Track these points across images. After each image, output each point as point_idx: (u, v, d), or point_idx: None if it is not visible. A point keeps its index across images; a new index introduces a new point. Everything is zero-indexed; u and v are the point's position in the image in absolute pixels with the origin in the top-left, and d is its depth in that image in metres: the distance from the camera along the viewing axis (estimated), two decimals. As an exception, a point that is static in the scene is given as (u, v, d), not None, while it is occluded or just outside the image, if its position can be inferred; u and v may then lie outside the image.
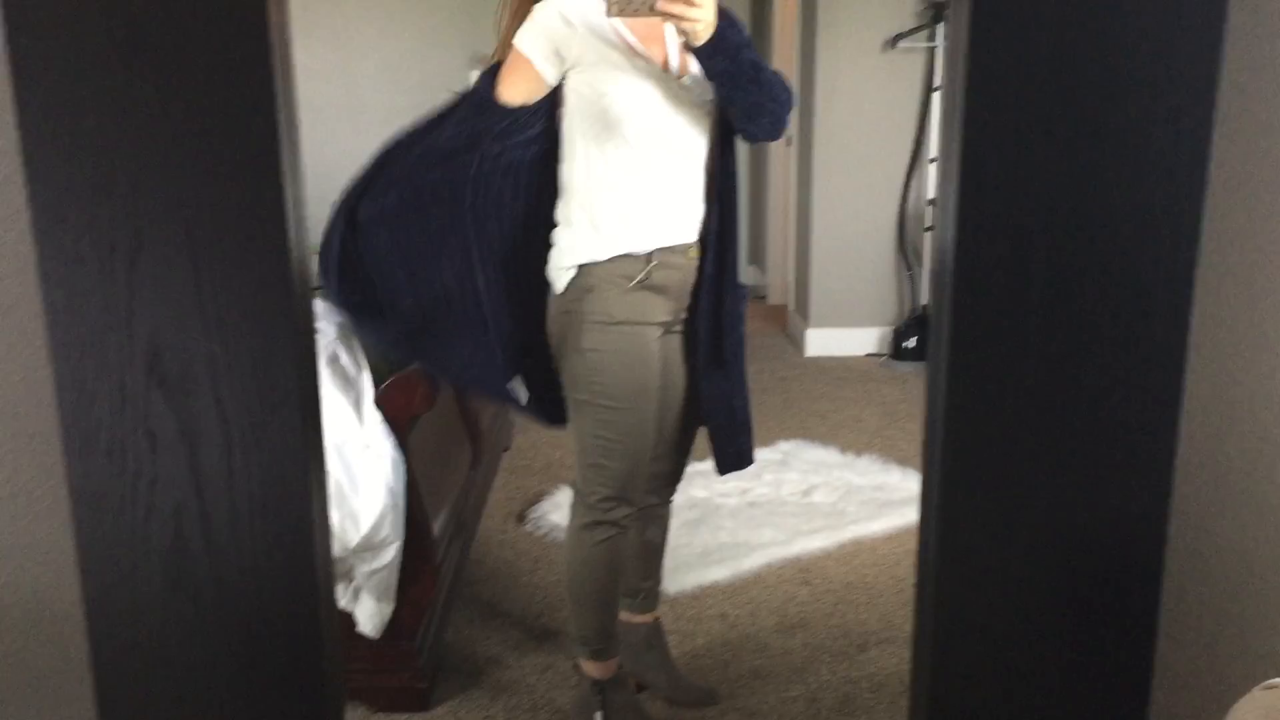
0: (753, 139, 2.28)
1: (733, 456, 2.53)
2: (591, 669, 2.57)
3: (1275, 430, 1.46)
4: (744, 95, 2.14)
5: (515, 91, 2.22)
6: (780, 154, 7.21)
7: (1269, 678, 1.14)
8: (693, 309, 2.37)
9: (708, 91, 2.22)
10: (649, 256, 2.25)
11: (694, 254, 2.31)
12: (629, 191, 2.23)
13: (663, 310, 2.32)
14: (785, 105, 2.23)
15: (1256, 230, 1.43)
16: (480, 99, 2.25)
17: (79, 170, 1.20)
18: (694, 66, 2.20)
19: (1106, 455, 1.37)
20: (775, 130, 2.26)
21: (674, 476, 2.62)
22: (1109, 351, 1.34)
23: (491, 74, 2.25)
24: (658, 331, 2.33)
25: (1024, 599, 1.42)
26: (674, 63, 2.20)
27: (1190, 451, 1.45)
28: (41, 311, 1.25)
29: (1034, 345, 1.34)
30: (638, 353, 2.29)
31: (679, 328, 2.39)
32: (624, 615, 2.71)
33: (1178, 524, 1.46)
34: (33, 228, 1.21)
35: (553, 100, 2.25)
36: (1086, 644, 1.43)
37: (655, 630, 2.77)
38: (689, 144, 2.25)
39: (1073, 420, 1.36)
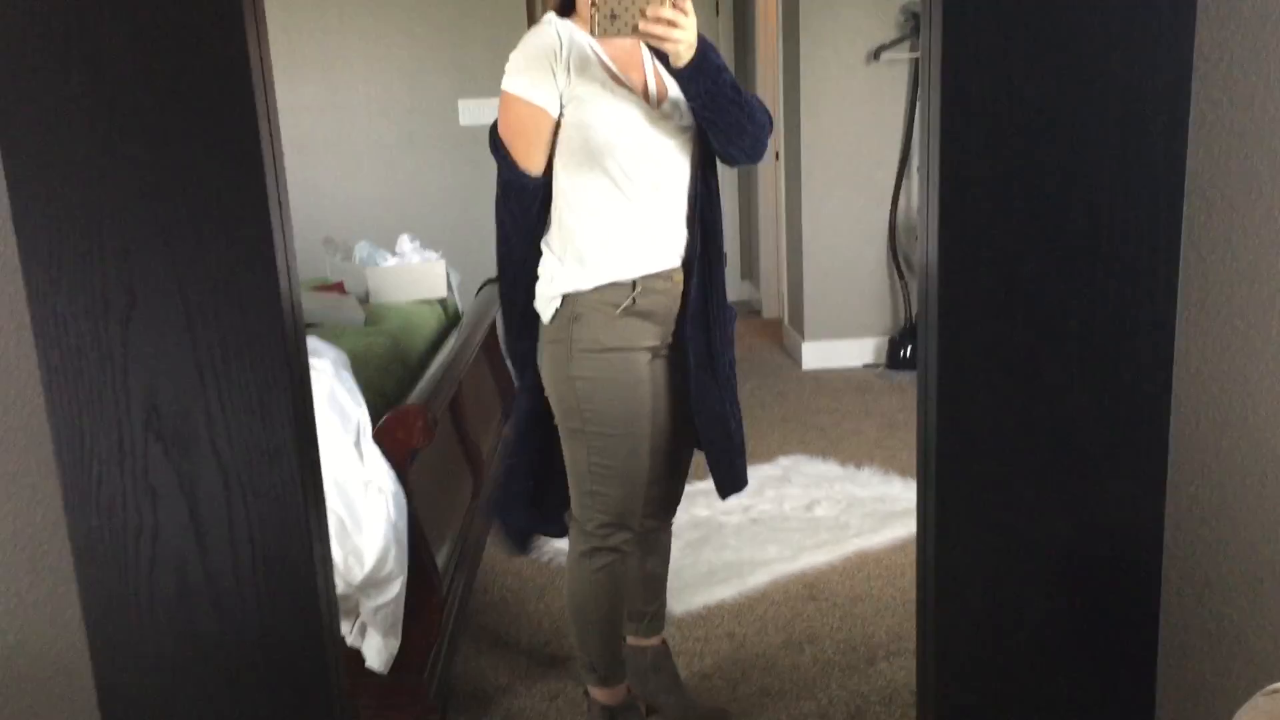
0: (733, 162, 2.29)
1: (730, 478, 2.53)
2: (600, 695, 2.57)
3: (1264, 435, 1.47)
4: (725, 117, 2.16)
5: (531, 148, 2.22)
6: (769, 169, 7.24)
7: (1271, 682, 1.15)
8: (680, 334, 2.38)
9: (686, 117, 2.23)
10: (634, 284, 2.26)
11: (679, 279, 2.33)
12: (611, 220, 2.24)
13: (651, 335, 2.34)
14: (764, 127, 2.25)
15: (1235, 237, 1.44)
16: (508, 183, 2.28)
17: (69, 231, 1.21)
18: (673, 91, 2.22)
19: (1099, 466, 1.38)
20: (756, 153, 2.28)
21: (672, 499, 2.62)
22: (1097, 361, 1.36)
23: (498, 145, 2.26)
24: (647, 356, 2.35)
25: (1023, 612, 1.42)
26: (653, 88, 2.22)
27: (1181, 459, 1.46)
28: (38, 370, 1.27)
29: (1022, 358, 1.35)
30: (628, 379, 2.30)
31: (666, 352, 2.40)
32: (630, 639, 2.72)
33: (1173, 532, 1.46)
34: (26, 289, 1.22)
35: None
36: (1089, 652, 1.44)
37: (662, 653, 2.77)
38: (670, 170, 2.26)
39: (1064, 432, 1.37)
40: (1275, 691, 1.12)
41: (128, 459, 1.26)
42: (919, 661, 1.58)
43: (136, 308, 1.23)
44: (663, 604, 2.78)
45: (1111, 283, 1.34)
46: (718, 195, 2.37)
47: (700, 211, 2.32)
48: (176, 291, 1.23)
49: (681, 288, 2.34)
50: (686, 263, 2.33)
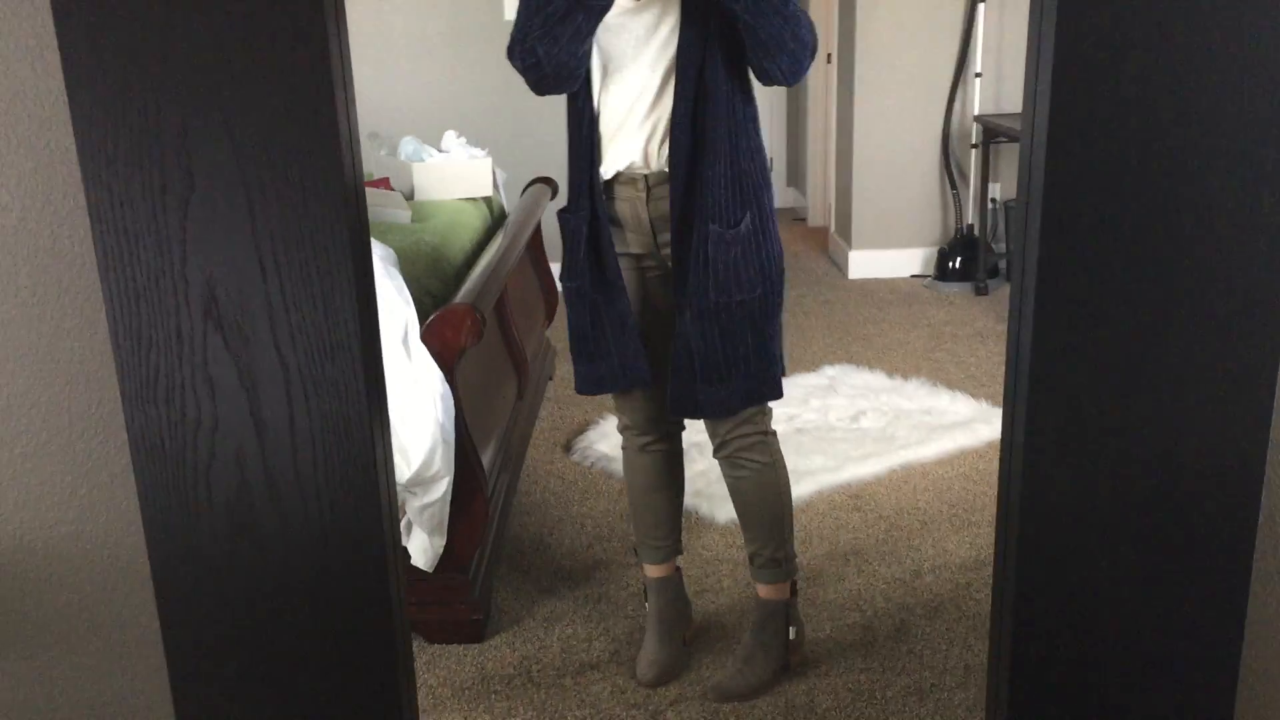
0: (767, 78, 2.13)
1: (677, 400, 2.36)
2: (644, 569, 2.68)
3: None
4: (766, 25, 2.02)
5: None
6: (819, 72, 7.06)
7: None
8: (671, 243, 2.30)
9: (661, 18, 2.13)
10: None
11: (641, 187, 2.27)
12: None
13: (620, 242, 2.34)
14: (807, 46, 2.09)
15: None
16: None
17: (126, 109, 1.15)
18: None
19: (1201, 391, 1.30)
20: (793, 72, 2.11)
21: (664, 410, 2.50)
22: (1207, 278, 1.28)
23: None
24: (627, 263, 2.35)
25: (1111, 537, 1.36)
26: None
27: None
28: (94, 256, 1.22)
29: (1128, 269, 1.27)
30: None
31: (653, 262, 2.37)
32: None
33: (1273, 464, 1.40)
34: (81, 170, 1.17)
35: None
36: (1177, 587, 1.38)
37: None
38: (629, 75, 2.19)
39: (1167, 350, 1.29)
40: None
41: (186, 349, 1.22)
42: (995, 584, 1.54)
43: (195, 191, 1.17)
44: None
45: (1231, 190, 1.25)
46: (720, 101, 2.15)
47: (689, 119, 2.16)
48: (237, 176, 1.17)
49: (644, 196, 2.29)
50: (674, 170, 2.20)
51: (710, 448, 2.51)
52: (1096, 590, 1.38)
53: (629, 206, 2.30)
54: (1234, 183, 1.25)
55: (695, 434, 2.75)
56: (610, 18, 2.11)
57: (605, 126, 2.25)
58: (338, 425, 1.24)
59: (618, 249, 2.33)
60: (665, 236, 2.30)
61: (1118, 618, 1.39)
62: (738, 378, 2.30)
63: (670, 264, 2.31)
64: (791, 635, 2.56)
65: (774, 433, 2.50)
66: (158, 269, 1.19)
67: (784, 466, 2.52)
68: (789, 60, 2.09)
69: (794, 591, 2.59)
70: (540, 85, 2.18)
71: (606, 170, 2.27)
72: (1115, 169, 1.25)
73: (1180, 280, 1.28)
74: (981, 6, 5.74)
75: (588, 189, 2.28)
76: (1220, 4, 1.21)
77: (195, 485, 1.26)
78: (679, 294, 2.28)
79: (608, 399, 2.69)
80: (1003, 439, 1.42)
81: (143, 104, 1.15)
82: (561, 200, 3.97)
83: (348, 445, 1.25)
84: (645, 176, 2.26)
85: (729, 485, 2.53)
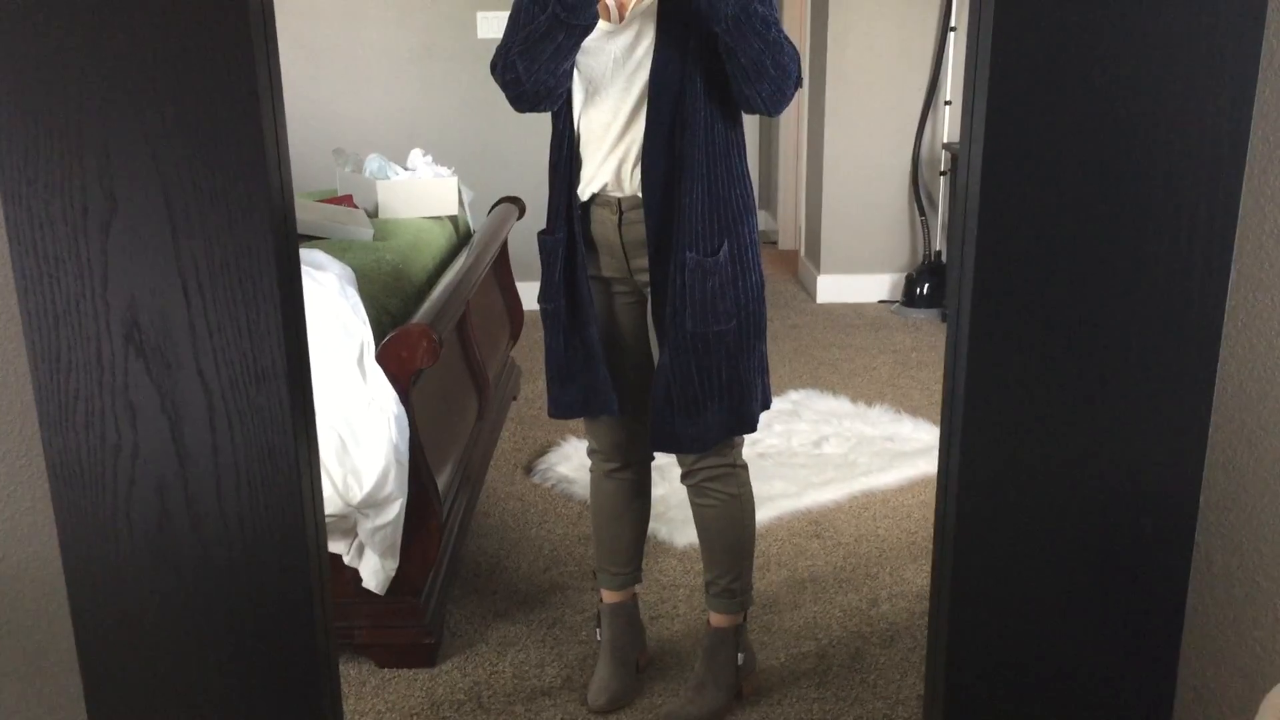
0: (749, 105, 2.11)
1: (658, 434, 2.32)
2: (601, 593, 2.64)
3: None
4: (748, 49, 2.01)
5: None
6: (792, 96, 7.08)
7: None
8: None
9: (637, 41, 2.12)
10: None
11: (614, 210, 2.24)
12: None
13: (593, 265, 2.31)
14: (790, 75, 2.08)
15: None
16: None
17: (47, 129, 1.13)
18: (638, 25, 2.09)
19: (1138, 419, 1.30)
20: (775, 100, 2.10)
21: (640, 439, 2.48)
22: (1143, 298, 1.27)
23: None
24: (599, 286, 2.33)
25: (1046, 565, 1.36)
26: (611, 3, 2.10)
27: (1223, 420, 1.38)
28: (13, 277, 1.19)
29: (1064, 286, 1.26)
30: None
31: (626, 287, 2.34)
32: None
33: (1208, 494, 1.39)
34: (0, 191, 1.14)
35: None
36: (1112, 613, 1.37)
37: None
38: (606, 98, 2.18)
39: (1104, 370, 1.29)
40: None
41: (107, 374, 1.19)
42: (931, 613, 1.53)
43: (117, 214, 1.15)
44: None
45: (1166, 213, 1.25)
46: (698, 128, 2.12)
47: (664, 144, 2.14)
48: (160, 199, 1.14)
49: (616, 218, 2.25)
50: (648, 194, 2.18)
51: (672, 471, 2.48)
52: (1029, 623, 1.38)
53: (603, 229, 2.27)
54: (1168, 210, 1.25)
55: (659, 456, 2.72)
56: (589, 40, 2.09)
57: (583, 148, 2.24)
58: (263, 454, 1.22)
59: (591, 272, 2.31)
60: (640, 262, 2.27)
61: (1051, 650, 1.38)
62: (714, 410, 2.28)
63: (645, 290, 2.31)
64: (740, 661, 2.54)
65: (744, 465, 2.49)
66: (78, 292, 1.16)
67: (751, 499, 2.51)
68: (770, 87, 2.07)
69: (744, 617, 2.57)
70: (519, 102, 2.16)
71: (583, 192, 2.25)
72: (1050, 195, 1.24)
73: (1115, 313, 1.27)
74: (953, 35, 5.77)
75: (565, 211, 2.26)
76: (1156, 42, 1.21)
77: (114, 513, 1.24)
78: (658, 323, 2.27)
79: (573, 421, 2.68)
80: (939, 478, 1.41)
81: (64, 125, 1.13)
82: (529, 220, 3.95)
83: (273, 474, 1.23)
84: (618, 200, 2.24)
85: (694, 512, 2.51)
